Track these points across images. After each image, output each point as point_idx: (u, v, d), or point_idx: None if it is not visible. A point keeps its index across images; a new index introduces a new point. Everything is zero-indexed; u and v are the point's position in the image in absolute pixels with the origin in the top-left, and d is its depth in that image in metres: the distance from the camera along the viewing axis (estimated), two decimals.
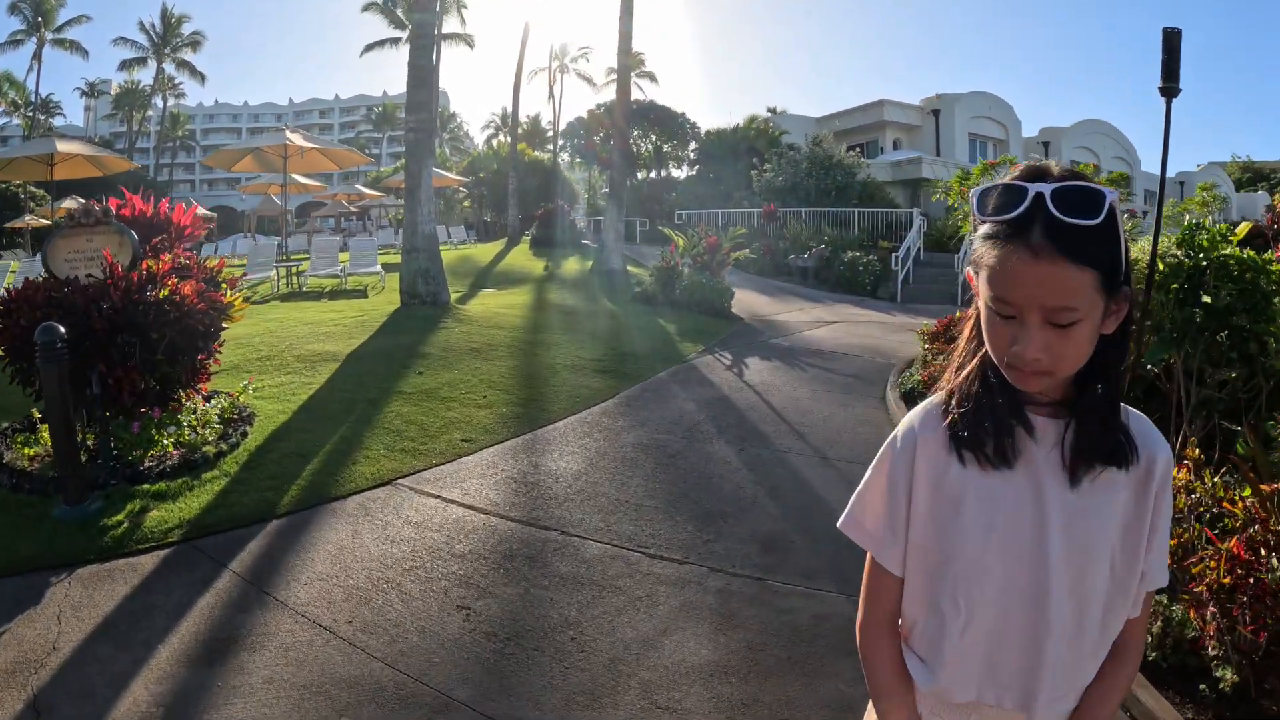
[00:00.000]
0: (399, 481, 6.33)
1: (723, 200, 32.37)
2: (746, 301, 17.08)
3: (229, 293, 7.14)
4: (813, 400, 9.29)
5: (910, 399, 9.19)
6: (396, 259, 24.58)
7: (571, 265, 23.82)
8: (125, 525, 5.40)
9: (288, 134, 21.72)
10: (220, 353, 7.44)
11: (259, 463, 6.54)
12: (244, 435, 7.05)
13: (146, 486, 5.96)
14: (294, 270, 19.28)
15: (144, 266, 6.65)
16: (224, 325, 7.10)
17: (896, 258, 21.25)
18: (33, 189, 41.81)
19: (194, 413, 7.02)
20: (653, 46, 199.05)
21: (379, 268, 19.15)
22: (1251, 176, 61.90)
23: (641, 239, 32.92)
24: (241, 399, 7.96)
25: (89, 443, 6.27)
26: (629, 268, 21.74)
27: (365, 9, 57.96)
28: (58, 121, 79.02)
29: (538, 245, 30.18)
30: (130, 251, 6.79)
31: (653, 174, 42.10)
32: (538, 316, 13.96)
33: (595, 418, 8.24)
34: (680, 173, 41.73)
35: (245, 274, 19.11)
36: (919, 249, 22.85)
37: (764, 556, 5.23)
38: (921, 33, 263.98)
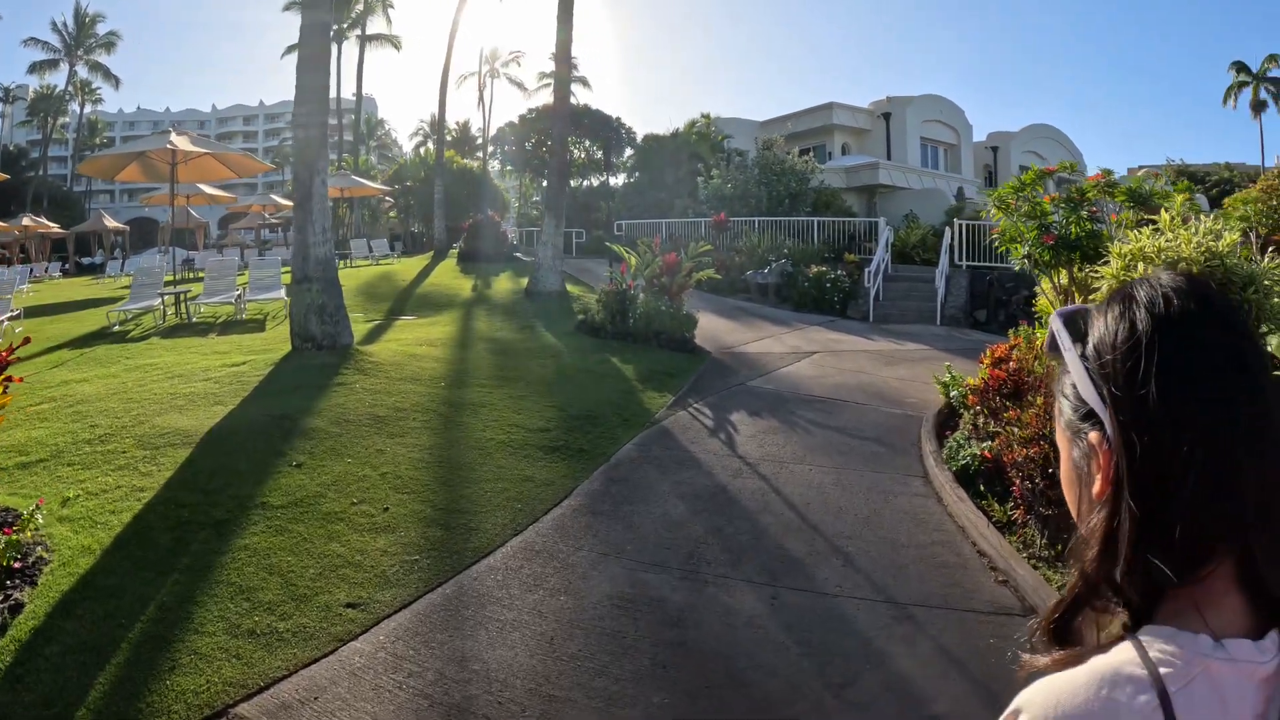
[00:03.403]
0: (238, 711, 3.72)
1: (664, 209, 29.96)
2: (708, 327, 14.52)
3: None
4: (839, 487, 6.86)
5: (968, 480, 6.84)
6: None
7: (503, 284, 21.21)
8: None
9: (173, 137, 18.74)
10: None
11: (26, 671, 3.92)
12: (16, 608, 4.40)
13: None
14: (183, 298, 16.38)
15: None
16: None
17: (869, 273, 19.00)
18: None
19: None
20: (586, 52, 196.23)
21: (282, 292, 16.44)
22: (1187, 181, 62.03)
23: (578, 252, 30.41)
24: (28, 531, 5.27)
25: None
26: (568, 287, 19.23)
27: (287, 8, 55.24)
28: None
29: (466, 260, 27.61)
30: None
31: (586, 182, 39.60)
32: (463, 359, 11.30)
33: (548, 541, 5.67)
34: (617, 180, 39.30)
35: (127, 302, 16.34)
36: (887, 262, 20.67)
37: None
38: (859, 40, 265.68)
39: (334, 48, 55.96)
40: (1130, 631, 0.89)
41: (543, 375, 10.43)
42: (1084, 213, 7.33)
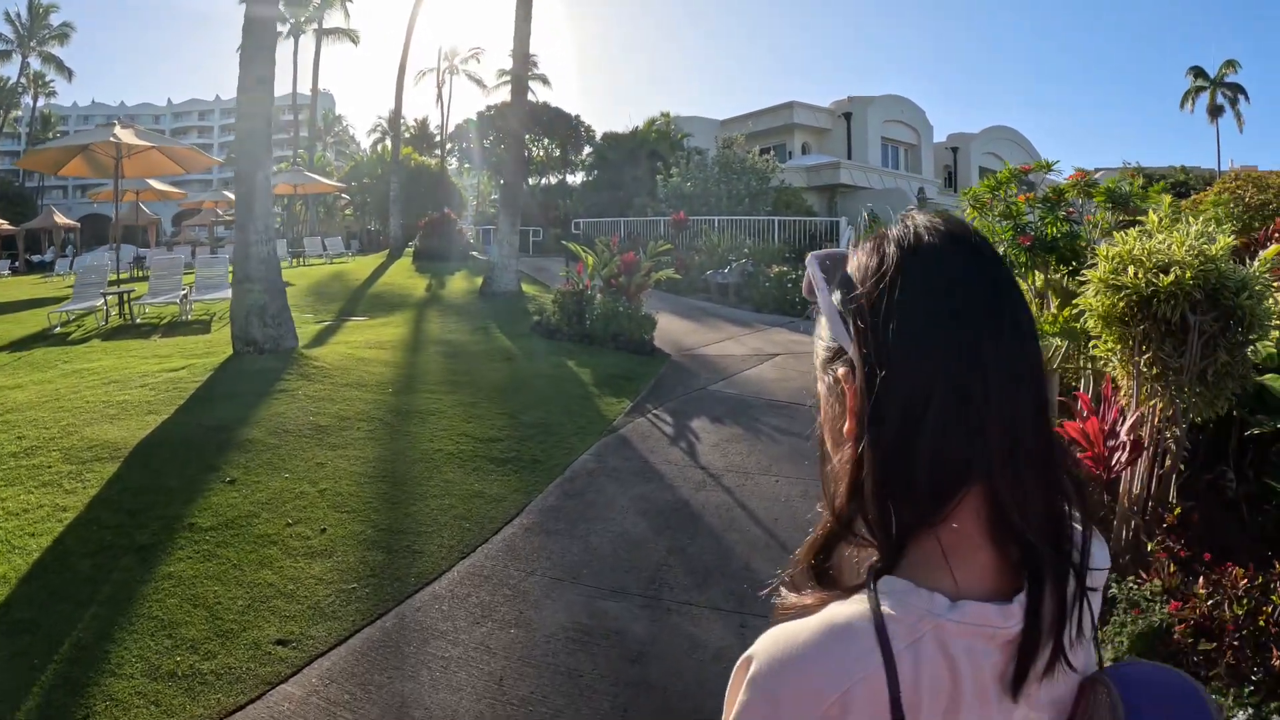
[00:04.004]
0: None
1: (622, 207, 29.56)
2: (667, 328, 14.10)
3: None
4: (807, 500, 6.49)
5: None
6: None
7: (458, 284, 20.70)
8: None
9: (117, 130, 18.05)
10: None
11: None
12: None
13: None
14: (127, 298, 15.74)
15: None
16: None
17: None
18: None
19: None
20: (547, 51, 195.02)
21: (229, 292, 15.82)
22: (1144, 182, 62.81)
23: (535, 250, 29.95)
24: None
25: None
26: (524, 287, 18.76)
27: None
28: None
29: (422, 259, 27.01)
30: None
31: (545, 180, 39.13)
32: (413, 363, 10.81)
33: (498, 565, 5.25)
34: (575, 178, 38.87)
35: (70, 303, 15.66)
36: None
37: None
38: (820, 41, 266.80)
39: (291, 41, 55.23)
40: (879, 573, 0.87)
41: (495, 380, 9.98)
42: (1061, 213, 7.04)
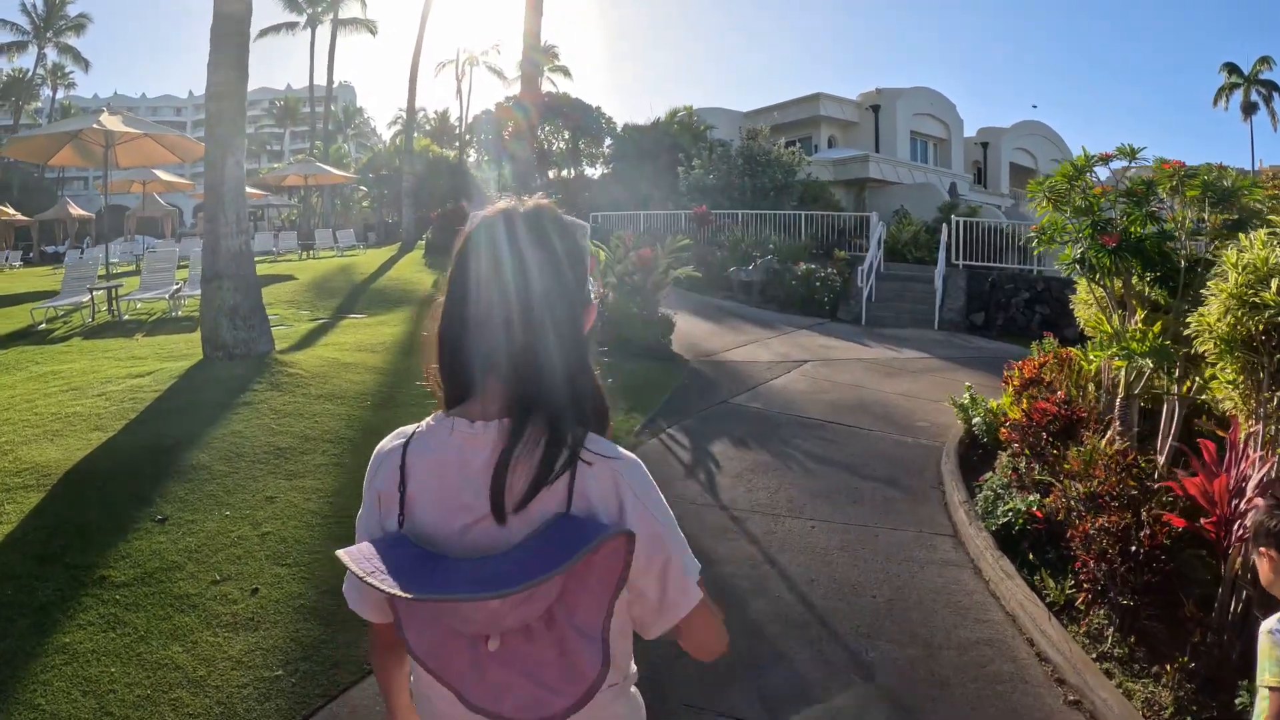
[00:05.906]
0: None
1: (642, 201, 28.42)
2: (686, 330, 12.98)
3: None
4: (848, 553, 5.43)
5: (1010, 542, 5.45)
6: (266, 269, 20.17)
7: None
8: None
9: (103, 116, 17.06)
10: None
11: None
12: None
13: None
14: (114, 293, 14.81)
15: None
16: None
17: (861, 271, 17.57)
18: None
19: None
20: (568, 41, 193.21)
21: None
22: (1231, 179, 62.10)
23: None
24: None
25: None
26: None
27: None
28: None
29: (434, 252, 25.92)
30: None
31: (565, 172, 38.06)
32: (402, 369, 9.65)
33: None
34: (595, 171, 37.77)
35: (57, 298, 14.71)
36: (880, 260, 19.25)
37: None
38: (847, 34, 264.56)
39: (308, 33, 54.44)
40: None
41: None
42: (1150, 209, 5.91)
